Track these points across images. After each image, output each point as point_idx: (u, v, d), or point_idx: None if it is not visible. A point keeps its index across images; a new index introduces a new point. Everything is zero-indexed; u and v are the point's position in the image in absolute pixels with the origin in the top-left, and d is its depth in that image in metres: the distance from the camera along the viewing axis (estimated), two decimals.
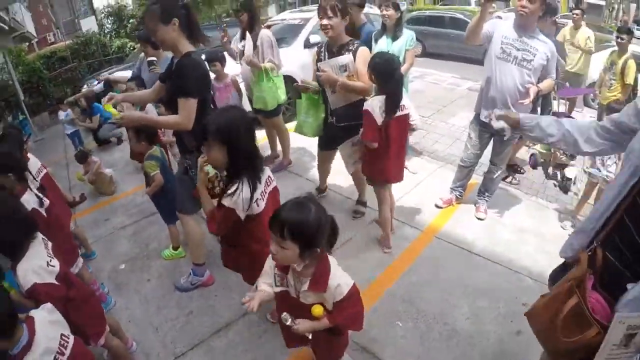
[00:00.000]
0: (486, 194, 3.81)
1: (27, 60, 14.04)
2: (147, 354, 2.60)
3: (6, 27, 12.91)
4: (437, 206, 3.84)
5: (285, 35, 6.58)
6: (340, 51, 3.08)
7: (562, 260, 1.62)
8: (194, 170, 2.56)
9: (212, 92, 3.84)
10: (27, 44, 20.59)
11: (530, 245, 3.37)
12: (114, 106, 3.08)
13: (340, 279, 1.61)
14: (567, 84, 6.15)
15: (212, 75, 4.40)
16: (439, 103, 7.56)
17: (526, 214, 3.88)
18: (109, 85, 8.32)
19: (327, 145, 3.60)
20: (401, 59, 3.95)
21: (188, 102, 2.42)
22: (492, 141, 3.57)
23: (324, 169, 3.90)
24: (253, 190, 1.90)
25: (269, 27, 7.76)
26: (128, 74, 5.44)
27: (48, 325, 1.59)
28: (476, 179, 4.03)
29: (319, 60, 3.21)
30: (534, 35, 3.09)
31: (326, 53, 3.17)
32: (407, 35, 4.12)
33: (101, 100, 6.62)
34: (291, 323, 1.65)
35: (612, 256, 1.35)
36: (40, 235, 2.01)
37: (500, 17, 4.73)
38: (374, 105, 2.76)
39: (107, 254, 3.76)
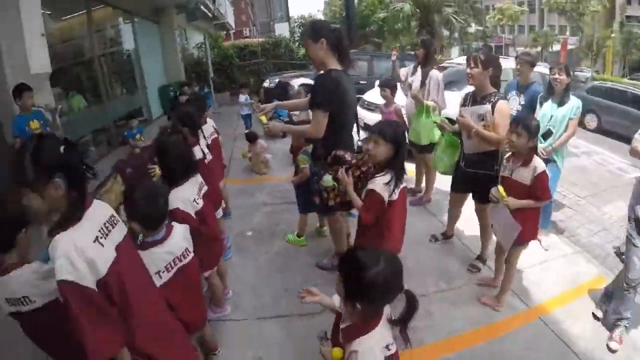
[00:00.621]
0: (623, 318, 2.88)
1: (223, 46, 16.48)
2: (237, 305, 3.07)
3: (210, 15, 15.47)
4: (609, 349, 2.86)
5: (456, 79, 6.70)
6: (482, 101, 3.20)
7: None
8: (318, 177, 2.91)
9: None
10: (224, 32, 24.09)
11: None
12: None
13: (364, 350, 1.45)
14: None
15: (382, 100, 4.89)
16: (597, 186, 6.92)
17: None
18: (283, 85, 9.44)
19: (456, 187, 3.68)
20: (563, 126, 3.85)
21: (318, 114, 2.75)
22: None
23: (453, 213, 3.93)
24: (398, 181, 2.38)
25: (444, 68, 8.04)
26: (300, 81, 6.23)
27: (181, 235, 2.05)
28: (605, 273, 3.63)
29: (463, 105, 3.36)
30: None
31: (470, 100, 3.32)
32: (574, 102, 3.87)
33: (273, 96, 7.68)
34: (320, 340, 1.78)
35: None
36: (199, 178, 2.58)
37: None
38: None
39: (240, 220, 4.44)
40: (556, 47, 41.44)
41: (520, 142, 2.67)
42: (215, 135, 3.94)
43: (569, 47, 37.87)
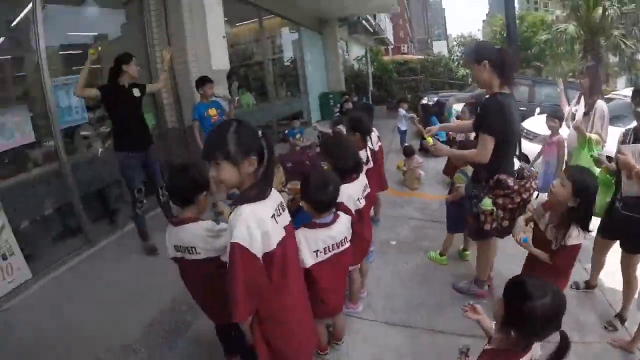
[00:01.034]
0: None
1: (382, 61, 16.97)
2: (369, 305, 3.19)
3: (370, 29, 16.05)
4: None
5: (622, 114, 5.88)
6: None
7: None
8: (477, 199, 2.85)
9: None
10: (383, 47, 24.75)
11: None
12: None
13: None
14: None
15: (542, 130, 4.62)
16: None
17: None
18: (441, 104, 9.33)
19: (607, 231, 3.20)
20: None
21: (485, 138, 2.68)
22: None
23: (598, 260, 3.44)
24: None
25: (610, 99, 7.14)
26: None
27: (345, 224, 2.23)
28: None
29: (623, 142, 2.94)
30: None
31: (632, 136, 2.90)
32: None
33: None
34: (460, 354, 1.76)
35: None
36: (365, 179, 2.80)
37: None
38: None
39: (387, 228, 4.56)
40: None
41: None
42: (380, 143, 4.12)
43: None
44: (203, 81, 4.72)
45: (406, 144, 7.01)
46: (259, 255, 1.48)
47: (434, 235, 4.32)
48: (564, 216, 2.33)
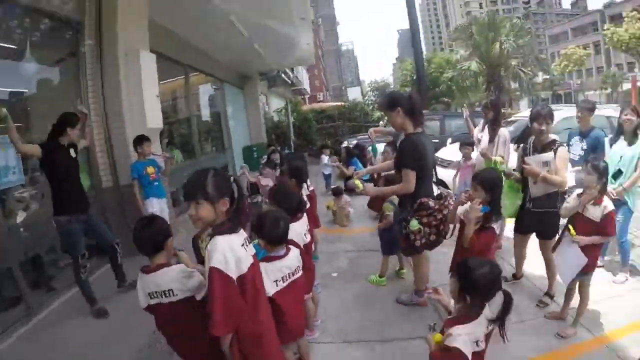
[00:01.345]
0: None
1: (302, 111, 17.81)
2: (324, 330, 3.51)
3: (289, 81, 17.04)
4: None
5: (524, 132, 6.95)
6: (544, 149, 3.58)
7: None
8: (405, 222, 3.43)
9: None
10: (300, 97, 26.01)
11: None
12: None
13: (458, 336, 1.95)
14: None
15: (455, 157, 5.44)
16: None
17: None
18: (361, 147, 10.12)
19: (522, 228, 3.95)
20: (632, 166, 3.98)
21: (408, 173, 3.29)
22: None
23: (519, 253, 4.17)
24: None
25: (513, 122, 8.33)
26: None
27: (296, 256, 2.57)
28: None
29: (524, 154, 3.73)
30: None
31: (532, 149, 3.70)
32: None
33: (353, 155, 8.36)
34: (429, 329, 2.23)
35: None
36: (306, 217, 3.19)
37: None
38: None
39: (326, 263, 4.95)
40: (626, 85, 39.17)
41: (591, 182, 3.02)
42: (312, 188, 4.57)
43: (639, 84, 35.41)
44: (141, 140, 4.79)
45: (333, 186, 7.62)
46: (234, 277, 1.82)
47: (369, 262, 4.77)
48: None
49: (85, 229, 3.96)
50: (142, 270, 2.19)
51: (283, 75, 15.81)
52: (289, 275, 2.48)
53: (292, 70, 17.70)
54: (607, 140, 4.55)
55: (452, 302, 2.23)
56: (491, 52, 27.51)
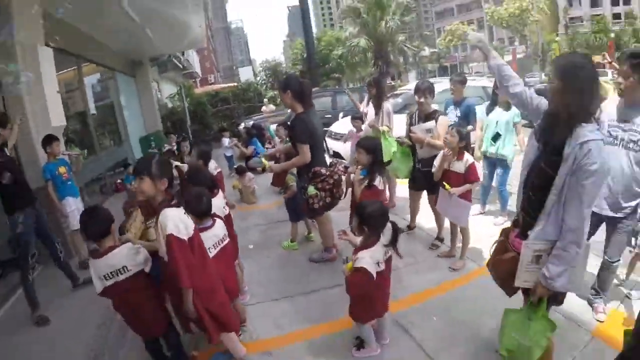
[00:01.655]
0: (602, 292, 3.29)
1: (195, 95, 17.42)
2: (253, 294, 3.91)
3: (180, 66, 16.58)
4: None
5: (410, 102, 7.69)
6: (427, 118, 4.33)
7: None
8: (304, 189, 3.99)
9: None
10: (192, 80, 25.30)
11: None
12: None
13: (362, 258, 2.56)
14: None
15: (345, 130, 6.10)
16: None
17: None
18: (258, 126, 10.43)
19: (415, 185, 4.72)
20: (509, 129, 4.92)
21: (301, 146, 3.85)
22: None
23: (413, 207, 4.96)
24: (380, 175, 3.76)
25: (399, 94, 9.20)
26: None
27: (221, 225, 2.94)
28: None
29: (411, 124, 4.47)
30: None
31: (417, 119, 4.46)
32: (514, 109, 4.87)
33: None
34: (343, 262, 2.80)
35: (526, 215, 2.23)
36: (221, 193, 3.56)
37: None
38: None
39: (241, 237, 5.00)
40: (507, 57, 44.69)
41: (453, 142, 3.76)
42: (219, 169, 4.80)
43: (518, 55, 40.36)
44: (50, 140, 4.66)
45: (235, 166, 7.92)
46: (186, 239, 2.21)
47: (281, 232, 5.26)
48: (370, 169, 3.62)
49: (36, 227, 3.98)
50: (92, 257, 2.45)
51: (174, 59, 15.34)
52: (218, 243, 2.84)
53: (183, 53, 17.16)
54: (482, 108, 5.44)
55: (357, 239, 2.81)
56: (378, 30, 29.06)
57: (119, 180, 8.08)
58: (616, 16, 53.16)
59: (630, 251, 3.50)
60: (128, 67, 11.98)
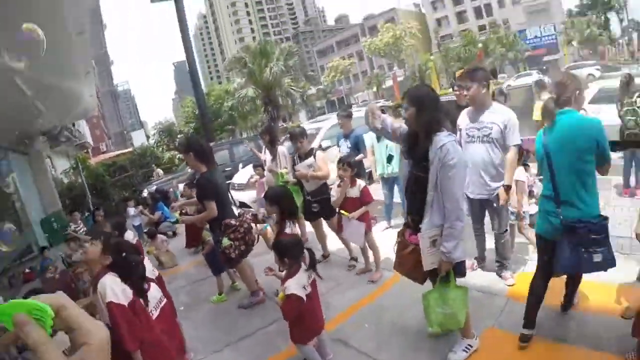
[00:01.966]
0: (504, 261, 4.08)
1: (92, 166, 16.60)
2: (195, 351, 4.00)
3: (72, 137, 15.78)
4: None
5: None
6: (307, 156, 5.05)
7: None
8: (219, 242, 4.28)
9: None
10: (84, 151, 24.00)
11: None
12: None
13: (290, 286, 2.88)
14: None
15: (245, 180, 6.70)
16: None
17: None
18: (161, 190, 10.39)
19: (310, 216, 5.30)
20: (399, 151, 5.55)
21: (208, 203, 4.13)
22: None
23: (319, 236, 5.46)
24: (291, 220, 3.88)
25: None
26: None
27: (155, 288, 3.14)
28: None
29: (294, 164, 5.16)
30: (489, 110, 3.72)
31: (298, 159, 5.16)
32: None
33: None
34: (275, 295, 3.24)
35: (414, 216, 2.88)
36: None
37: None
38: None
39: None
40: (389, 82, 48.03)
41: (346, 174, 4.40)
42: (137, 238, 4.99)
43: (399, 79, 43.84)
44: None
45: (145, 230, 7.96)
46: (125, 304, 2.44)
47: (205, 289, 5.47)
48: (279, 217, 3.84)
49: None
50: None
51: (66, 131, 14.57)
52: (157, 304, 3.06)
53: (73, 124, 16.32)
54: (372, 134, 5.80)
55: (282, 273, 3.20)
56: (264, 77, 30.18)
57: (27, 270, 7.64)
58: (482, 27, 60.77)
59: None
60: (18, 142, 11.05)
